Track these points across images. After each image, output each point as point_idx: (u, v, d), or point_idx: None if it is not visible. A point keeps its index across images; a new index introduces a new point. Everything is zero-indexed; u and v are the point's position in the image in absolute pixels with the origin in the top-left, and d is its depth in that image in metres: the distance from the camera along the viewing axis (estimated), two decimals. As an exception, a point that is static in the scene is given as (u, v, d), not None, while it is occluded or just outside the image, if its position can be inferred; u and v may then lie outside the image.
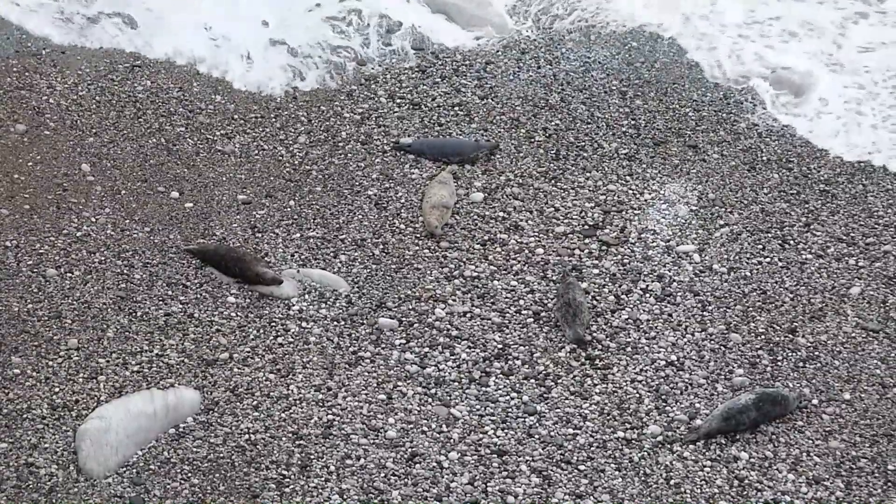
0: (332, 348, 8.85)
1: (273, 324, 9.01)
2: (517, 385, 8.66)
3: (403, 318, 9.10)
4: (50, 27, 11.65)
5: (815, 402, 8.64)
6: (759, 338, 9.10)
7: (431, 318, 9.12)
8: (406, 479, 7.98)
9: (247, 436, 8.19)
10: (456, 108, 11.23)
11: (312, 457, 8.08)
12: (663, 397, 8.62)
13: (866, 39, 12.28)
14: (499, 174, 10.50)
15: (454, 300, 9.28)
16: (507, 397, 8.57)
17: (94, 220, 9.73)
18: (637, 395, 8.63)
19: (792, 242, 9.95)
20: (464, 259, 9.65)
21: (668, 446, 8.30)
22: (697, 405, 8.56)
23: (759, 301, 9.40)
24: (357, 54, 11.79)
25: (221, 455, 8.07)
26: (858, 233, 10.08)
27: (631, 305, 9.31)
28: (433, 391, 8.59)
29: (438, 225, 9.80)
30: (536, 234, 9.90)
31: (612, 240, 9.87)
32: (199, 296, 9.19)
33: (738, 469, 8.17)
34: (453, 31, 12.26)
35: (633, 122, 11.18)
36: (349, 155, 10.65)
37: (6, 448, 7.96)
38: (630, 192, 10.37)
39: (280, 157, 10.59)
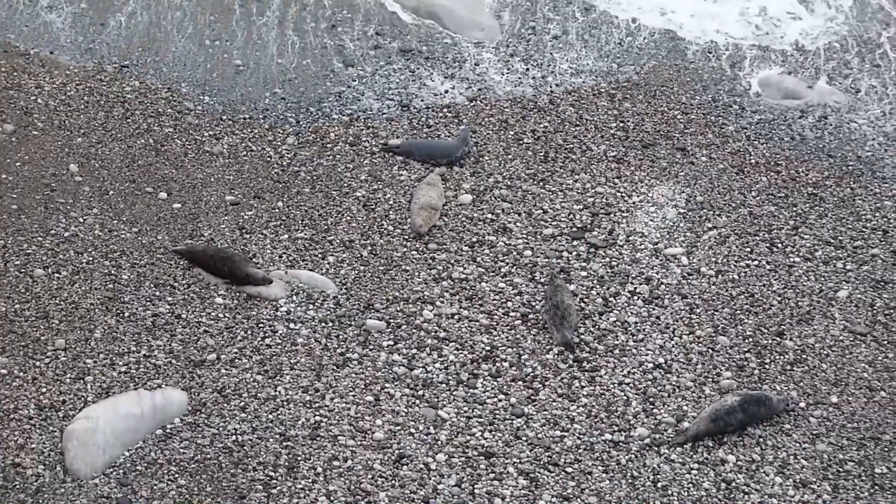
0: (319, 349, 8.84)
1: (261, 325, 9.00)
2: (505, 387, 8.66)
3: (391, 320, 9.09)
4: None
5: (802, 405, 8.66)
6: (746, 341, 9.11)
7: (419, 319, 9.11)
8: (393, 481, 7.98)
9: (234, 437, 8.18)
10: (444, 110, 11.23)
11: (300, 458, 8.07)
12: (651, 400, 8.62)
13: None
14: (487, 176, 10.50)
15: (442, 302, 9.27)
16: (495, 399, 8.57)
17: (81, 220, 9.71)
18: (625, 398, 8.63)
19: (780, 245, 9.97)
20: (452, 261, 9.65)
21: (656, 449, 8.30)
22: (685, 408, 8.57)
23: (746, 304, 9.41)
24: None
25: (208, 456, 8.05)
26: (846, 236, 10.10)
27: (619, 308, 9.32)
28: (421, 393, 8.58)
29: (425, 225, 9.80)
30: (525, 236, 9.90)
31: (601, 242, 9.87)
32: (186, 297, 9.17)
33: (726, 472, 8.18)
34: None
35: (621, 125, 11.19)
36: (338, 156, 10.64)
37: (-8, 448, 7.95)
38: (618, 194, 10.38)
39: (268, 159, 10.57)
